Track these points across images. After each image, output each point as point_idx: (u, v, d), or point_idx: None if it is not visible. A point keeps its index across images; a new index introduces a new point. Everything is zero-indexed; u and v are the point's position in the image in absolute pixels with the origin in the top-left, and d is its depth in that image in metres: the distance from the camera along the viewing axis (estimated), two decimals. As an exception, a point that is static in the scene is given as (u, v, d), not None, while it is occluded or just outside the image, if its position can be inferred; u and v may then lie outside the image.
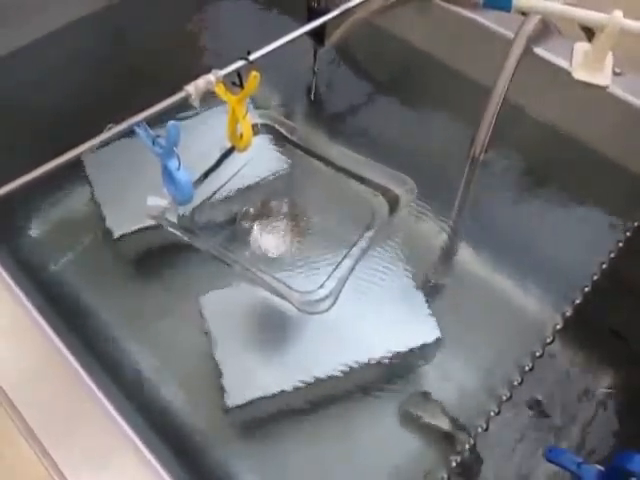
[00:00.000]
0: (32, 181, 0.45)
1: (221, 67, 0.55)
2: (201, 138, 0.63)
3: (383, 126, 0.74)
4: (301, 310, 0.51)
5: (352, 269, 0.54)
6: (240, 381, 0.53)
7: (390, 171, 0.60)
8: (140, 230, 0.62)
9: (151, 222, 0.60)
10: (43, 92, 0.74)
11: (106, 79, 0.76)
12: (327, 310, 0.50)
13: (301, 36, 0.60)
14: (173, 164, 0.54)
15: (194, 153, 0.59)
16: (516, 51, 0.62)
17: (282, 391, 0.52)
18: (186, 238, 0.56)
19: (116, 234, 0.62)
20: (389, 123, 0.74)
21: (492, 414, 0.53)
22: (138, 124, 0.52)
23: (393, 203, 0.59)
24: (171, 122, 0.51)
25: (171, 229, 0.56)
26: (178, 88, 0.53)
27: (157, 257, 0.64)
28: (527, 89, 0.66)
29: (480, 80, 0.71)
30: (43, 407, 0.42)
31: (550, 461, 0.42)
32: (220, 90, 0.55)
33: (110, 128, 0.50)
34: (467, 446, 0.51)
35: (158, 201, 0.56)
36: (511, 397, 0.54)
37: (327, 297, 0.51)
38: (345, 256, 0.55)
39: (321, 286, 0.53)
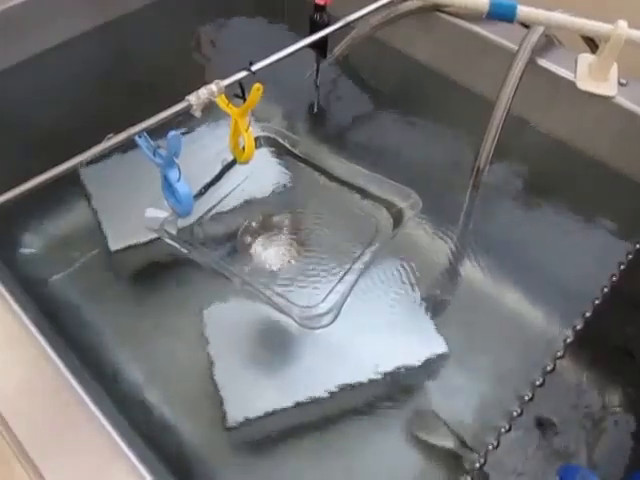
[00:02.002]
0: (29, 191, 0.44)
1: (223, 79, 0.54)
2: (203, 151, 0.62)
3: (386, 140, 0.73)
4: (302, 325, 0.50)
5: (354, 284, 0.53)
6: (241, 398, 0.51)
7: (394, 184, 0.59)
8: (139, 245, 0.61)
9: (150, 237, 0.59)
10: (44, 106, 0.74)
11: (107, 95, 0.76)
12: (328, 325, 0.49)
13: (304, 49, 0.60)
14: (173, 175, 0.53)
15: (195, 165, 0.58)
16: (520, 63, 0.62)
17: (284, 409, 0.51)
18: (185, 251, 0.55)
19: (114, 248, 0.61)
20: (392, 137, 0.74)
21: (502, 430, 0.51)
22: (139, 134, 0.52)
23: (397, 217, 0.58)
24: (172, 132, 0.50)
25: (170, 241, 0.55)
26: (180, 101, 0.52)
27: (156, 272, 0.62)
28: (531, 101, 0.66)
29: (483, 93, 0.70)
30: (37, 423, 0.40)
31: (563, 480, 0.41)
32: (222, 102, 0.55)
33: (110, 138, 0.49)
34: (476, 465, 0.50)
35: (157, 213, 0.55)
36: (522, 413, 0.52)
37: (329, 312, 0.50)
38: (348, 271, 0.54)
39: (323, 300, 0.52)
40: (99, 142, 0.49)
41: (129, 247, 0.61)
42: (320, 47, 0.67)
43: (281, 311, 0.51)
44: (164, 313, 0.59)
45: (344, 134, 0.75)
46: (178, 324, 0.58)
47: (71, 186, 0.65)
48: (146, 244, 0.61)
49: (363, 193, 0.60)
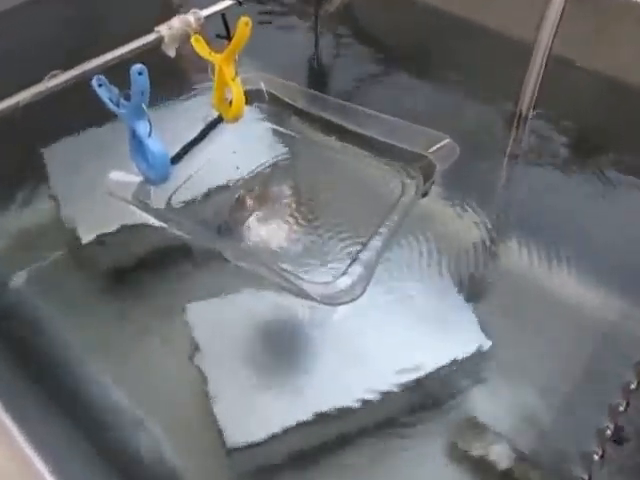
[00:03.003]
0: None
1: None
2: (181, 111, 0.57)
3: (403, 96, 0.68)
4: (324, 303, 0.44)
5: (382, 250, 0.47)
6: (240, 417, 0.46)
7: (423, 129, 0.52)
8: (112, 234, 0.55)
9: (123, 224, 0.53)
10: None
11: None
12: (356, 299, 0.43)
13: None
14: (143, 128, 0.46)
15: (172, 124, 0.53)
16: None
17: (292, 427, 0.45)
18: (163, 224, 0.48)
19: (84, 240, 0.55)
20: (409, 91, 0.69)
21: (595, 457, 0.42)
22: (99, 80, 0.45)
23: (427, 169, 0.52)
24: (136, 65, 0.41)
25: (143, 213, 0.49)
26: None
27: (133, 267, 0.57)
28: (577, 33, 0.58)
29: (517, 34, 0.64)
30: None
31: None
32: (201, 47, 0.50)
33: (54, 75, 0.39)
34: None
35: (124, 177, 0.49)
36: (618, 429, 0.44)
37: (354, 285, 0.45)
38: (372, 236, 0.48)
39: (344, 273, 0.46)
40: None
41: (101, 237, 0.55)
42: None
43: (293, 290, 0.45)
44: (146, 316, 0.53)
45: (353, 88, 0.70)
46: (163, 329, 0.52)
47: (33, 173, 0.60)
48: (120, 234, 0.55)
49: (384, 145, 0.54)
